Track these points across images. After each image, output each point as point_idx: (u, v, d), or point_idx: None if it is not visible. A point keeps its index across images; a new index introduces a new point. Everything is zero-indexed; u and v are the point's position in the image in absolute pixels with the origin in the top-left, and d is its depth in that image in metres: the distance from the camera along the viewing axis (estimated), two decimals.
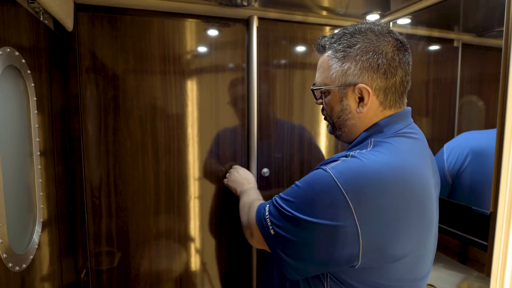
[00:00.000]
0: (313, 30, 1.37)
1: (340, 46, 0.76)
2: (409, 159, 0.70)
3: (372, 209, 0.64)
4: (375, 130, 0.76)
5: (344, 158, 0.71)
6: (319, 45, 0.82)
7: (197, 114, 1.27)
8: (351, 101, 0.77)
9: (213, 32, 1.26)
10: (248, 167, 1.34)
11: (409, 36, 1.30)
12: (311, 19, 1.34)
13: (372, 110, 0.76)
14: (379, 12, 1.29)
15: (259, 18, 1.28)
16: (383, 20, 1.35)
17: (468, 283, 1.08)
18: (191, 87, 1.25)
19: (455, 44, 1.17)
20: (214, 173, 1.31)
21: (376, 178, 0.65)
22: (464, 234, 1.02)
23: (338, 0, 1.19)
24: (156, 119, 1.22)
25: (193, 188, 1.30)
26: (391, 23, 1.33)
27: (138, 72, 1.19)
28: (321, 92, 0.84)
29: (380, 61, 0.72)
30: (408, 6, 1.22)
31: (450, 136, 1.16)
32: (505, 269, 0.81)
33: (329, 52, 0.79)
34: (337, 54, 0.76)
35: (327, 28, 1.38)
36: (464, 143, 1.07)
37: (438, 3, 1.12)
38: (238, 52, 1.29)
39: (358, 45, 0.74)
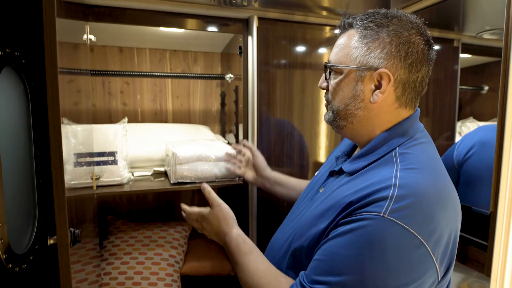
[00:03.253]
0: (313, 30, 1.37)
1: (371, 24, 0.67)
2: (443, 170, 0.68)
3: (443, 246, 0.60)
4: (396, 134, 0.69)
5: (390, 194, 0.59)
6: (345, 22, 0.72)
7: None
8: (366, 88, 0.68)
9: None
10: None
11: None
12: (311, 19, 1.34)
13: (387, 105, 0.68)
14: None
15: (259, 18, 1.28)
16: None
17: (468, 283, 1.08)
18: None
19: (455, 44, 1.17)
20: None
21: (441, 209, 0.60)
22: (464, 234, 1.02)
23: (338, 0, 1.19)
24: None
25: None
26: None
27: None
28: (330, 71, 0.73)
29: (410, 50, 0.65)
30: (408, 6, 1.22)
31: (450, 136, 1.17)
32: (505, 269, 0.81)
33: (355, 29, 0.69)
34: (365, 32, 0.67)
35: (327, 28, 1.38)
36: (475, 134, 1.11)
37: (438, 3, 1.12)
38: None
39: (392, 27, 0.66)
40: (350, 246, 0.58)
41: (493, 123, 0.93)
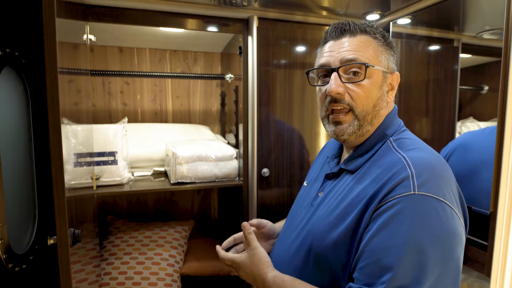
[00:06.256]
0: (313, 30, 1.37)
1: (385, 34, 0.77)
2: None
3: (459, 203, 0.67)
4: (387, 126, 0.75)
5: (409, 173, 0.63)
6: (357, 26, 0.74)
7: None
8: (386, 89, 0.76)
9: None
10: (248, 167, 1.34)
11: (409, 36, 1.29)
12: (311, 19, 1.34)
13: (389, 103, 0.78)
14: (379, 12, 1.29)
15: (259, 18, 1.28)
16: (383, 20, 1.35)
17: (468, 283, 1.08)
18: None
19: (455, 44, 1.17)
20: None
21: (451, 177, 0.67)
22: None
23: (338, 0, 1.19)
24: None
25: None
26: (391, 23, 1.33)
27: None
28: (356, 73, 0.71)
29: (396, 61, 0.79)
30: (408, 6, 1.22)
31: (450, 136, 1.17)
32: (505, 269, 0.81)
33: (371, 35, 0.74)
34: (383, 40, 0.75)
35: (327, 28, 1.38)
36: (458, 139, 1.15)
37: (438, 3, 1.12)
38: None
39: (393, 43, 0.78)
40: (399, 233, 0.59)
41: (493, 123, 0.93)
